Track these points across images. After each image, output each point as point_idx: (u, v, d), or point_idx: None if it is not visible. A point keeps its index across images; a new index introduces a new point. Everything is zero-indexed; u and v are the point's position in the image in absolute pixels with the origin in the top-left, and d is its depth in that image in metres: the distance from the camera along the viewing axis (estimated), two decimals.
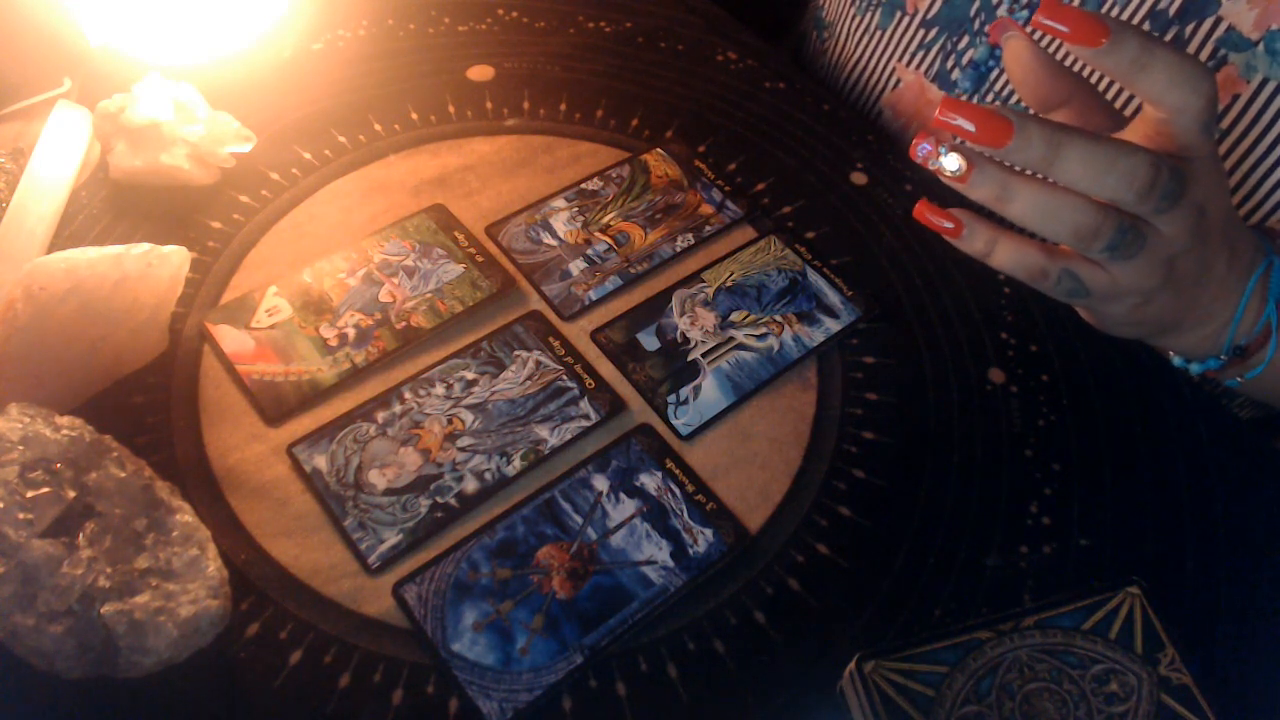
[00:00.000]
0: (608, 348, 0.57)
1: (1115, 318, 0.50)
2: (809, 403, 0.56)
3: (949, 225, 0.45)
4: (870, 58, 0.76)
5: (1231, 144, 0.60)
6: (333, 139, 0.66)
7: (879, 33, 0.74)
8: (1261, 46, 0.56)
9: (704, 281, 0.60)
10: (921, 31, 0.71)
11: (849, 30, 0.77)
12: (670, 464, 0.52)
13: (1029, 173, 0.43)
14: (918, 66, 0.72)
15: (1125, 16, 0.61)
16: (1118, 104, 0.57)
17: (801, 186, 0.67)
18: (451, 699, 0.44)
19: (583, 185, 0.65)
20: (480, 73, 0.71)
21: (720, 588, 0.49)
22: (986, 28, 0.68)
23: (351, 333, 0.56)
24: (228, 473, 0.50)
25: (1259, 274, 0.50)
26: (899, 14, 0.72)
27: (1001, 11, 0.66)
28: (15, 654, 0.40)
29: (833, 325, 0.59)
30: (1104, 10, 0.62)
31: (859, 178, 0.68)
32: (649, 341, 0.57)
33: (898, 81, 0.74)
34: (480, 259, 0.60)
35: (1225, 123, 0.59)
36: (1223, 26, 0.57)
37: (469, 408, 0.53)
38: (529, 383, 0.55)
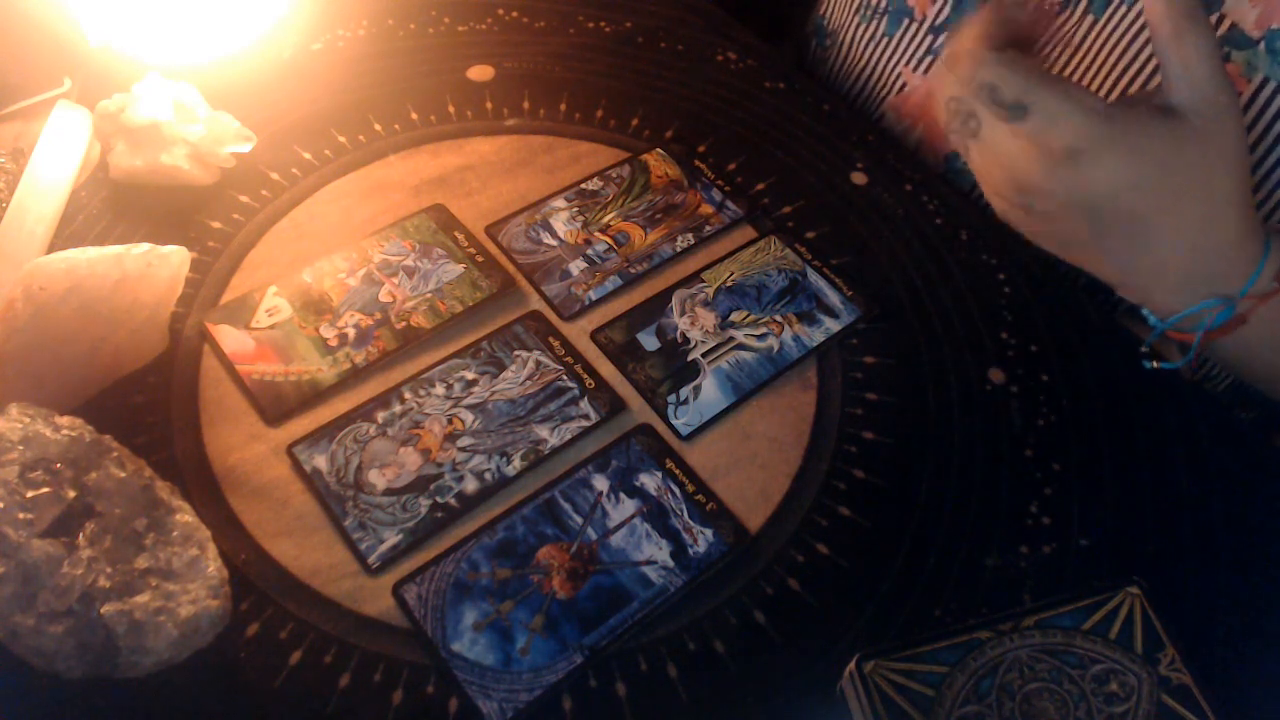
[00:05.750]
0: (608, 348, 0.57)
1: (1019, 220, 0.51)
2: (809, 403, 0.56)
3: None
4: (875, 63, 0.76)
5: None
6: (333, 139, 0.66)
7: (885, 39, 0.75)
8: (1262, 45, 0.56)
9: (704, 281, 0.60)
10: (930, 37, 0.72)
11: (853, 38, 0.78)
12: (670, 464, 0.52)
13: None
14: (925, 71, 0.73)
15: (1133, 13, 0.61)
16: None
17: (801, 186, 0.67)
18: (451, 699, 0.44)
19: (583, 185, 0.65)
20: (480, 73, 0.71)
21: (720, 588, 0.49)
22: None
23: (351, 333, 0.56)
24: (228, 473, 0.50)
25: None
26: (906, 21, 0.73)
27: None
28: (15, 654, 0.40)
29: (833, 325, 0.59)
30: (1110, 8, 0.62)
31: (859, 178, 0.68)
32: (649, 341, 0.57)
33: (903, 85, 0.75)
34: (480, 259, 0.60)
35: None
36: (1226, 24, 0.57)
37: (469, 408, 0.53)
38: (529, 383, 0.55)
